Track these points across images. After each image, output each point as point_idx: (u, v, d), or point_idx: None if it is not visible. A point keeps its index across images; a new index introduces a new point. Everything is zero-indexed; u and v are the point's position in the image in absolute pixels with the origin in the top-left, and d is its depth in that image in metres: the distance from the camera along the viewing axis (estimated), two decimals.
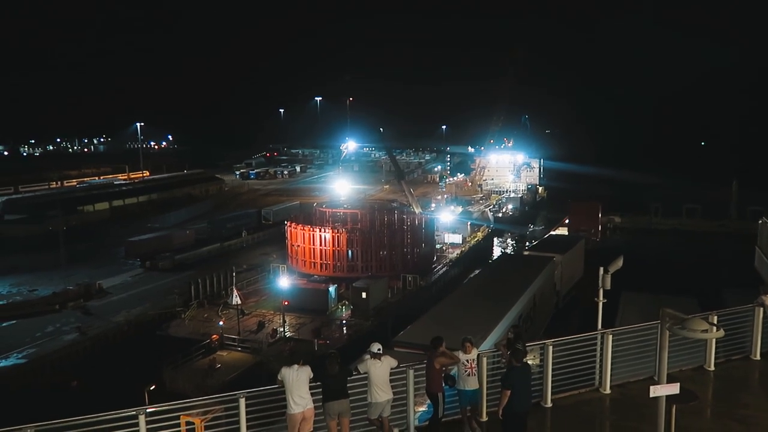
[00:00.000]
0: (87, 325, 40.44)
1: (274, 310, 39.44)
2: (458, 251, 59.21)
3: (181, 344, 34.41)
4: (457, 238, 61.45)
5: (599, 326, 12.23)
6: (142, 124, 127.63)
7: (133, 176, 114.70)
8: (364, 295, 40.89)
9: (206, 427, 10.35)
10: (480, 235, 66.74)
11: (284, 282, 39.74)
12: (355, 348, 24.67)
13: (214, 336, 34.67)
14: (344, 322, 39.34)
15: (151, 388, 23.90)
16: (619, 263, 12.49)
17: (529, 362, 11.36)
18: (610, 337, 11.15)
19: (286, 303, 37.18)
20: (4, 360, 35.90)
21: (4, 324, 41.90)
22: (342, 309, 41.18)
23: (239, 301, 38.11)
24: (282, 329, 36.53)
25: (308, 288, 42.37)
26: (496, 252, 68.80)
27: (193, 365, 32.06)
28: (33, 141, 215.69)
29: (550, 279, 39.20)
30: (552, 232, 67.71)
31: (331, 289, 41.73)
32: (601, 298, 12.60)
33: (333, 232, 48.92)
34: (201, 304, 42.40)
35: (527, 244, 70.25)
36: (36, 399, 29.83)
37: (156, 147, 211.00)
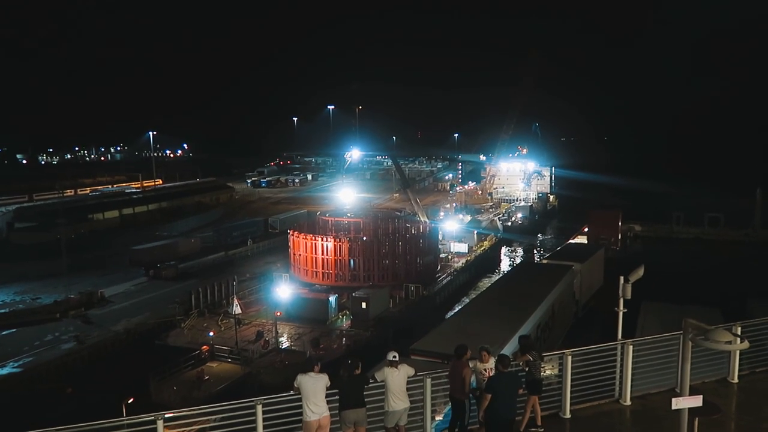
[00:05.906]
0: (85, 334, 39.72)
1: (274, 319, 38.42)
2: (463, 260, 57.75)
3: (180, 353, 33.53)
4: (463, 248, 60.17)
5: (619, 336, 11.79)
6: (155, 132, 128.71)
7: (146, 184, 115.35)
8: (364, 305, 39.91)
9: None
10: (487, 244, 65.23)
11: (283, 291, 38.69)
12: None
13: (205, 347, 33.60)
14: (344, 332, 38.15)
15: (129, 401, 22.48)
16: (640, 272, 11.94)
17: (548, 372, 11.20)
18: (631, 347, 10.89)
19: (278, 314, 36.16)
20: (1, 368, 35.19)
21: (4, 332, 41.41)
22: (342, 319, 40.06)
23: (239, 311, 37.10)
24: (274, 339, 35.56)
25: (309, 297, 41.54)
26: (504, 261, 67.17)
27: (181, 376, 31.01)
28: (51, 150, 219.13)
29: (569, 288, 38.38)
30: (571, 241, 66.01)
31: (332, 298, 40.83)
32: (621, 307, 12.07)
33: (335, 241, 47.92)
34: (201, 313, 41.48)
35: (535, 252, 68.62)
36: (27, 407, 29.02)
37: (171, 156, 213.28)
